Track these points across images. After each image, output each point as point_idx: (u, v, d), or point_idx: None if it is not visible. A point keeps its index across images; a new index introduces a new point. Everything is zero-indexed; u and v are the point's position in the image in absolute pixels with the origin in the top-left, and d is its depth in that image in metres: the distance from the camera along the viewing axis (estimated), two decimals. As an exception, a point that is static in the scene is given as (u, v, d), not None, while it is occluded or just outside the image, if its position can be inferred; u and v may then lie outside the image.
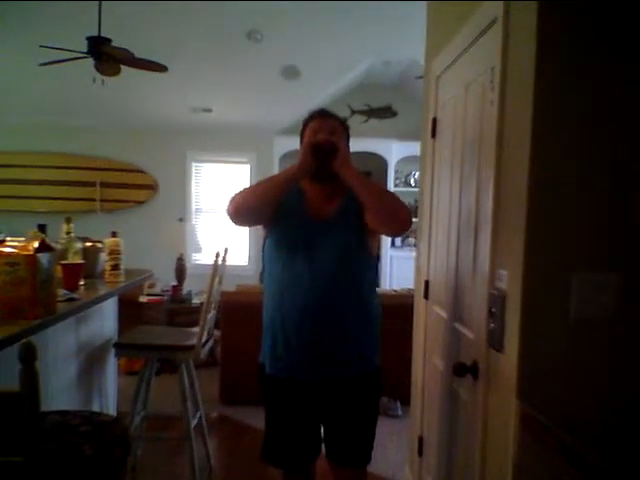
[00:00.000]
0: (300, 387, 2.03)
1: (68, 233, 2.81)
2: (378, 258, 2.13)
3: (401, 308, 3.25)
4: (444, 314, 2.35)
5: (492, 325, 1.72)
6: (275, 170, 6.94)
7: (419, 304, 2.81)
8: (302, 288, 1.96)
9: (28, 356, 1.32)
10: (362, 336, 2.02)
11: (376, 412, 2.13)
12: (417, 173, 6.96)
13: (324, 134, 2.00)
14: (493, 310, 1.71)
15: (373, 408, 2.12)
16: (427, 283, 2.65)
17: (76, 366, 2.91)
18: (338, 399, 2.03)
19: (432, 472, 2.51)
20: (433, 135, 2.60)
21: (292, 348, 1.99)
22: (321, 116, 2.11)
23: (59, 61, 4.40)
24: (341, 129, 2.10)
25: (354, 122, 7.10)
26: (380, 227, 2.00)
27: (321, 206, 2.05)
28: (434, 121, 2.59)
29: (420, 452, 2.71)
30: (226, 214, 2.04)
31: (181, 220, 7.11)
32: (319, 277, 1.94)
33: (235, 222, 2.06)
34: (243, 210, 2.02)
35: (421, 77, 3.17)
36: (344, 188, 2.01)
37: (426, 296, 2.65)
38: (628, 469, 1.20)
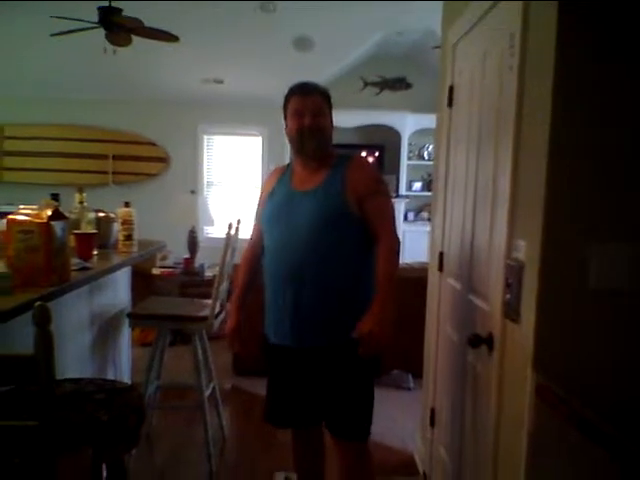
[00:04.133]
0: (290, 354, 2.08)
1: (81, 203, 2.81)
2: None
3: (414, 281, 3.23)
4: (458, 286, 2.33)
5: (508, 296, 1.70)
6: (286, 144, 6.84)
7: (433, 276, 2.79)
8: (284, 257, 2.01)
9: (43, 319, 1.31)
10: (350, 302, 1.98)
11: (369, 381, 2.05)
12: (431, 146, 6.87)
13: (308, 118, 1.99)
14: (510, 281, 1.68)
15: (363, 376, 2.04)
16: (442, 255, 2.63)
17: (90, 336, 2.93)
18: (326, 366, 2.02)
19: (444, 442, 2.51)
20: (449, 104, 2.55)
21: (280, 316, 2.05)
22: (301, 93, 2.05)
23: (70, 31, 4.36)
24: (325, 104, 2.06)
25: (367, 94, 7.00)
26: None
27: (307, 179, 2.07)
28: (451, 89, 2.54)
29: (432, 423, 2.71)
30: None
31: (193, 192, 7.09)
32: (299, 246, 1.97)
33: None
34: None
35: (438, 47, 3.10)
36: (332, 163, 2.06)
37: (440, 268, 2.63)
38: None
